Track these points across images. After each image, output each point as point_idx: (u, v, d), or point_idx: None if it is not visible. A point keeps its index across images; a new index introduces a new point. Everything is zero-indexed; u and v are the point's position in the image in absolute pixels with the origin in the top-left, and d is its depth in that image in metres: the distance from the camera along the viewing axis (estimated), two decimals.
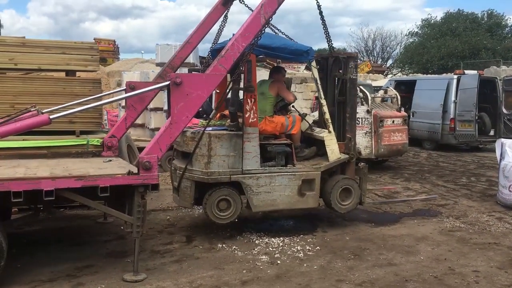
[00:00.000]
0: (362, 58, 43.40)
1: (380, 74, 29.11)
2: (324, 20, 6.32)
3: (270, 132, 6.26)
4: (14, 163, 5.37)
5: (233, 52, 4.98)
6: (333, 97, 6.64)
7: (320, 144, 6.39)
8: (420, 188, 9.24)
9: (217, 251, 5.55)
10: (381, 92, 12.27)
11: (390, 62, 45.53)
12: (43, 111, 4.78)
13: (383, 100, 11.53)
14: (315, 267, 5.12)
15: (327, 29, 6.35)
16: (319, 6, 6.21)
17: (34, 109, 4.55)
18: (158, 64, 15.20)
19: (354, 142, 6.57)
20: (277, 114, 6.51)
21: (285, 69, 7.23)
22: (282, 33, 6.72)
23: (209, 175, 5.68)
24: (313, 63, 6.24)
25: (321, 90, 6.27)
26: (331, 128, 6.27)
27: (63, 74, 7.16)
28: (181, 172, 5.83)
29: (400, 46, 45.12)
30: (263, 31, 5.36)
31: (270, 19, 5.32)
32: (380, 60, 45.45)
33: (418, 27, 44.85)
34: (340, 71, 6.55)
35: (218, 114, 6.42)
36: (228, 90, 5.78)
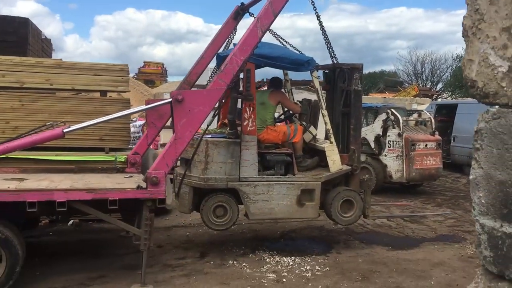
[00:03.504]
0: (410, 81, 42.64)
1: (427, 98, 28.52)
2: (325, 30, 6.29)
3: (272, 141, 6.35)
4: (42, 177, 5.73)
5: (232, 66, 5.15)
6: (338, 109, 6.64)
7: (323, 155, 6.39)
8: (449, 213, 8.99)
9: (227, 267, 5.65)
10: (415, 115, 12.10)
11: (440, 85, 44.51)
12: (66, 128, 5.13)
13: (417, 123, 11.38)
14: (320, 287, 5.12)
15: (328, 39, 6.34)
16: (318, 16, 6.18)
17: (49, 123, 4.86)
18: (197, 86, 15.61)
19: (358, 153, 6.52)
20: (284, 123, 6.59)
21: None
22: (286, 42, 6.81)
23: (206, 181, 5.82)
24: (314, 74, 6.29)
25: (322, 101, 6.30)
26: (332, 139, 6.27)
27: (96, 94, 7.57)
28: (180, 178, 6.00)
29: (451, 70, 44.11)
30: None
31: (266, 31, 5.42)
32: (430, 83, 44.52)
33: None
34: (345, 82, 6.53)
35: (220, 122, 6.58)
36: (225, 100, 5.92)
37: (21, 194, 4.50)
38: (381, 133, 10.61)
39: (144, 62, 26.29)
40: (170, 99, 4.96)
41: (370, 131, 10.88)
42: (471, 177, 1.54)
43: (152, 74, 24.25)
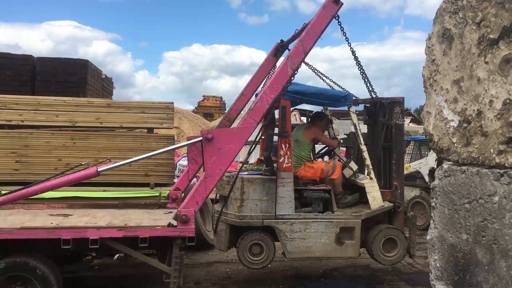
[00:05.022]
0: None
1: None
2: (361, 65, 6.18)
3: (310, 178, 6.23)
4: (85, 212, 5.98)
5: (262, 104, 5.15)
6: (380, 143, 6.45)
7: (364, 191, 6.19)
8: None
9: None
10: None
11: None
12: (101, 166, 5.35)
13: None
14: None
15: (365, 74, 6.21)
16: (353, 52, 6.10)
17: (85, 163, 5.09)
18: None
19: (401, 189, 6.25)
20: (321, 159, 6.47)
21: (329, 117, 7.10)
22: (326, 77, 6.74)
23: (241, 218, 5.78)
24: (352, 109, 6.16)
25: (360, 136, 6.14)
26: (372, 175, 6.06)
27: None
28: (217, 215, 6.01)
29: None
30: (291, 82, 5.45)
31: (297, 69, 5.40)
32: None
33: None
34: (385, 116, 6.35)
35: (256, 159, 6.56)
36: (259, 137, 5.93)
37: (57, 231, 4.70)
38: (435, 166, 10.17)
39: (203, 96, 27.09)
40: (200, 138, 5.05)
41: (424, 164, 10.47)
42: (428, 237, 1.44)
43: (211, 108, 24.88)
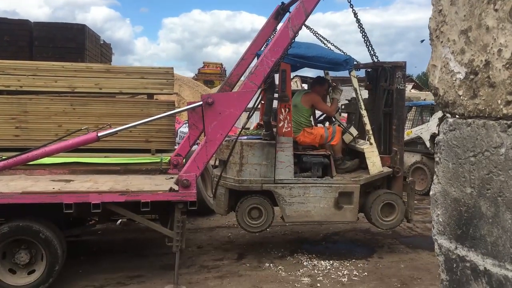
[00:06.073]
0: None
1: None
2: (363, 28, 6.09)
3: (309, 144, 6.22)
4: (87, 178, 5.99)
5: (263, 67, 5.08)
6: (380, 109, 6.40)
7: (364, 157, 6.19)
8: None
9: (262, 270, 5.63)
10: None
11: None
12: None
13: None
14: None
15: (367, 37, 6.13)
16: (355, 14, 5.99)
17: (84, 127, 5.06)
18: None
19: (401, 155, 6.25)
20: (321, 125, 6.45)
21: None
22: (327, 41, 6.65)
23: (240, 183, 5.80)
24: (353, 73, 6.09)
25: (361, 101, 6.09)
26: (372, 140, 6.04)
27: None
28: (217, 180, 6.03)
29: None
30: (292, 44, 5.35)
31: (298, 31, 5.30)
32: None
33: None
34: (387, 81, 6.27)
35: (256, 124, 6.54)
36: (259, 102, 5.88)
37: (59, 196, 4.72)
38: (437, 132, 10.14)
39: (203, 63, 26.86)
40: (201, 102, 5.00)
41: (425, 130, 10.44)
42: (431, 193, 1.42)
43: (211, 75, 24.69)
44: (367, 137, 6.12)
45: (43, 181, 5.56)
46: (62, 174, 6.32)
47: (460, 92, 1.30)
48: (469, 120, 1.26)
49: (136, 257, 6.05)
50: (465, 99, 1.28)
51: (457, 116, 1.32)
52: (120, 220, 7.49)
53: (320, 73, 7.00)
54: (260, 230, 5.96)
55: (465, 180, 1.26)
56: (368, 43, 6.17)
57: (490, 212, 1.17)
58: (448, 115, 1.38)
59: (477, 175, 1.21)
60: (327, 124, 7.09)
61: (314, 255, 6.10)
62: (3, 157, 5.19)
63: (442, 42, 1.40)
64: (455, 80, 1.32)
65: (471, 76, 1.25)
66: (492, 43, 1.17)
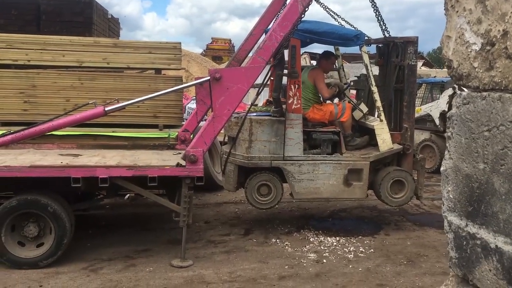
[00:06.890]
0: None
1: None
2: (375, 2, 5.98)
3: (318, 120, 6.17)
4: (95, 153, 6.00)
5: (271, 42, 5.01)
6: (391, 85, 6.31)
7: (374, 133, 6.12)
8: None
9: (268, 246, 5.65)
10: None
11: None
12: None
13: None
14: (360, 269, 4.99)
15: (379, 12, 6.00)
16: None
17: (92, 102, 5.04)
18: None
19: (412, 132, 6.18)
20: (331, 102, 6.39)
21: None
22: (338, 16, 6.52)
23: (250, 159, 5.79)
24: (364, 49, 6.00)
25: (371, 77, 6.00)
26: (382, 117, 5.97)
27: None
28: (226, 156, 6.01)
29: None
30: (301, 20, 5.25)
31: (308, 6, 5.19)
32: None
33: None
34: (398, 57, 6.17)
35: (265, 100, 6.48)
36: (268, 78, 5.81)
37: (66, 170, 4.74)
38: (446, 109, 10.02)
39: (212, 38, 26.63)
40: (208, 77, 4.96)
41: (435, 107, 10.33)
42: (442, 168, 1.38)
43: (220, 51, 24.51)
44: (377, 114, 6.06)
45: (51, 155, 5.58)
46: (70, 148, 6.33)
47: (476, 64, 1.25)
48: (484, 93, 1.21)
49: (143, 232, 6.10)
50: (481, 71, 1.23)
51: (471, 89, 1.27)
52: (128, 195, 7.53)
53: (330, 48, 6.89)
54: (269, 206, 5.97)
55: (478, 156, 1.22)
56: (379, 18, 6.05)
57: (503, 189, 1.13)
58: (462, 88, 1.33)
59: (491, 150, 1.17)
60: (336, 100, 7.02)
61: (320, 232, 6.11)
62: (11, 131, 5.19)
63: (457, 11, 1.34)
64: (470, 51, 1.27)
65: (488, 47, 1.20)
66: (511, 12, 1.11)
